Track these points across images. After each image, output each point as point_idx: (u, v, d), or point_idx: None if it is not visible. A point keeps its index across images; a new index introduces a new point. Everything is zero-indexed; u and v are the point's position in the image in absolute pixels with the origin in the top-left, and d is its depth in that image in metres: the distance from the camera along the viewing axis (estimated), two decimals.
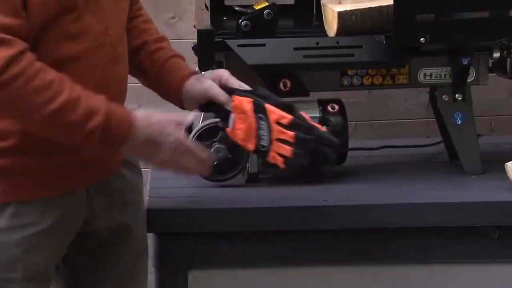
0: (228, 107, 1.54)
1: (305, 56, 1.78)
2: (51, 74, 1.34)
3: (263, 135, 1.50)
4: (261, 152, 1.51)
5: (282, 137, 1.49)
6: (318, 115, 1.81)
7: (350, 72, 1.85)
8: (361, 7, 1.78)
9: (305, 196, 1.74)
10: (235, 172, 1.78)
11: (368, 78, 1.86)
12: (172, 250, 1.66)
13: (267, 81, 1.80)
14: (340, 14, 1.77)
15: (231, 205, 1.70)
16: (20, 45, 1.31)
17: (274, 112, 1.49)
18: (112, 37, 1.44)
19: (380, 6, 1.78)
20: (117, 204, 1.54)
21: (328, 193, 1.75)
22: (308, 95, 1.85)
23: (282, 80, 1.81)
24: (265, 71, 1.79)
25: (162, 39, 1.64)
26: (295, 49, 1.78)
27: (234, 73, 1.75)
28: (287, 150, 1.49)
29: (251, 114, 1.49)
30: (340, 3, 1.83)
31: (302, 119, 1.52)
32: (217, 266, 1.71)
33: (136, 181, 1.60)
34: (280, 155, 1.51)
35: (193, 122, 1.83)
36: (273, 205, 1.70)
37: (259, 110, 1.49)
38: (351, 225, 1.69)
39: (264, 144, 1.49)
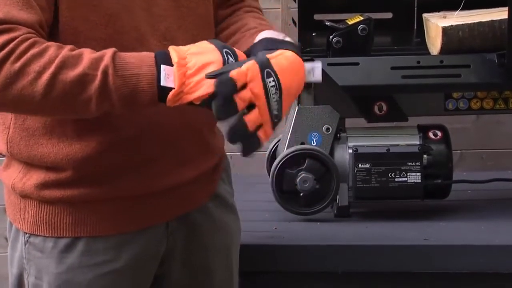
0: None
1: (403, 77, 1.69)
2: (47, 43, 1.22)
3: None
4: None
5: None
6: (418, 142, 1.71)
7: (455, 95, 1.76)
8: (469, 22, 1.69)
9: (402, 234, 1.67)
10: (323, 205, 1.71)
11: (477, 102, 1.77)
12: None
13: (360, 104, 1.74)
14: (445, 30, 1.68)
15: (318, 242, 1.64)
16: (21, 31, 1.22)
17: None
18: None
19: (492, 21, 1.68)
20: (200, 244, 1.44)
21: (429, 231, 1.66)
22: (407, 120, 1.77)
23: (377, 103, 1.74)
24: (358, 93, 1.72)
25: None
26: (393, 68, 1.70)
27: (323, 94, 1.70)
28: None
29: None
30: (445, 17, 1.75)
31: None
32: None
33: (227, 221, 1.49)
34: None
35: (277, 148, 1.74)
36: (365, 243, 1.63)
37: None
38: (454, 268, 1.61)
39: None
